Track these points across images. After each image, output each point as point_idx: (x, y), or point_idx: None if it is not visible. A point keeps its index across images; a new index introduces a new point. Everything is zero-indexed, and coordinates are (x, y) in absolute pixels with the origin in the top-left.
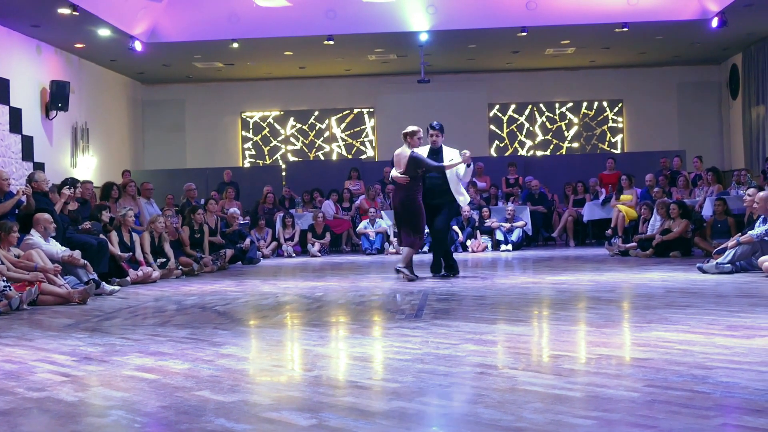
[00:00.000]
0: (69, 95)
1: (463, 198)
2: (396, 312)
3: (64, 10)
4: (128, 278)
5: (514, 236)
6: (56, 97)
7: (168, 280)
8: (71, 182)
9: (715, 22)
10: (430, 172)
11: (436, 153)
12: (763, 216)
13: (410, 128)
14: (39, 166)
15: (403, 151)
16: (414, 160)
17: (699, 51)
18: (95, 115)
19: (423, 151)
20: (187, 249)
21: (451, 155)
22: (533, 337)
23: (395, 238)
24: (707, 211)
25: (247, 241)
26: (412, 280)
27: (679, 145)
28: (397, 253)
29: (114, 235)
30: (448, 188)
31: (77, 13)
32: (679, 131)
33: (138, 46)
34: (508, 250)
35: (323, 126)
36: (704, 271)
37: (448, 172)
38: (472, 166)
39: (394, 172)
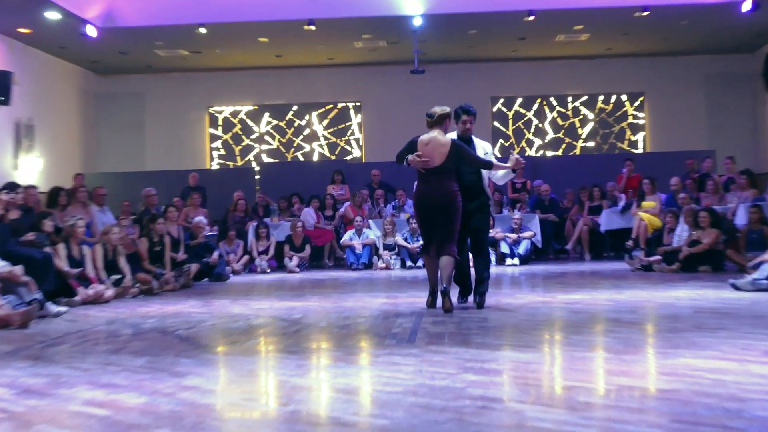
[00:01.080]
0: (12, 87)
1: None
2: (385, 336)
3: None
4: (77, 298)
5: (522, 249)
6: None
7: (123, 300)
8: (11, 186)
9: (747, 5)
10: (473, 167)
11: (466, 144)
12: None
13: (445, 108)
14: None
15: (437, 138)
16: (460, 150)
17: (729, 38)
18: (42, 110)
19: None
20: (145, 264)
21: (484, 149)
22: (543, 365)
23: (385, 251)
24: (741, 219)
25: (215, 254)
26: (449, 311)
27: (708, 144)
28: (387, 268)
29: (61, 247)
30: (483, 187)
31: None
32: (708, 128)
33: (91, 31)
34: (515, 265)
35: (303, 122)
36: (738, 288)
37: (484, 172)
38: (514, 174)
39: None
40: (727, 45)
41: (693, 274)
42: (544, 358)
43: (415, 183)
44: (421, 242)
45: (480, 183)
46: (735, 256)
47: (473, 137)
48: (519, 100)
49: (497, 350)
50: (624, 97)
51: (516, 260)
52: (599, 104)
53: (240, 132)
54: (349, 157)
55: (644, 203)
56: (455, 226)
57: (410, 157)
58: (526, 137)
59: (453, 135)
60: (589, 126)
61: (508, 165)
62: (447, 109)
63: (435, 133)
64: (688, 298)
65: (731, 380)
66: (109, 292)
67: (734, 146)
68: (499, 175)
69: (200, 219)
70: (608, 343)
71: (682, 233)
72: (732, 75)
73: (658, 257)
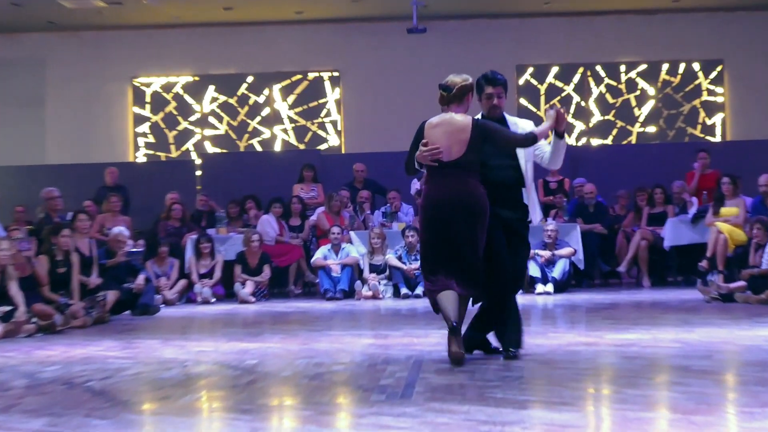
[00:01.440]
0: None
1: (535, 210)
2: (372, 390)
3: None
4: None
5: (557, 271)
6: None
7: (15, 340)
8: None
9: None
10: (507, 154)
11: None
12: None
13: (467, 78)
14: None
15: (452, 119)
16: (487, 132)
17: None
18: None
19: None
20: (45, 291)
21: (523, 130)
22: (586, 429)
23: (371, 274)
24: None
25: (140, 278)
26: (459, 362)
27: None
28: (374, 297)
29: None
30: (521, 193)
31: None
32: None
33: None
34: (548, 293)
35: (261, 99)
36: None
37: (523, 161)
38: (565, 138)
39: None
40: None
41: None
42: (588, 420)
43: (421, 182)
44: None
45: (519, 185)
46: None
47: (505, 115)
48: (554, 70)
49: (523, 409)
50: (696, 67)
51: (550, 287)
52: (663, 75)
53: (175, 112)
54: (323, 147)
55: (723, 210)
56: (480, 247)
57: (418, 152)
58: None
59: (477, 116)
60: (650, 105)
61: (548, 125)
62: (470, 79)
63: (450, 114)
64: None
65: None
66: None
67: None
68: (548, 153)
69: (120, 230)
70: (674, 400)
71: None
72: None
73: (741, 283)
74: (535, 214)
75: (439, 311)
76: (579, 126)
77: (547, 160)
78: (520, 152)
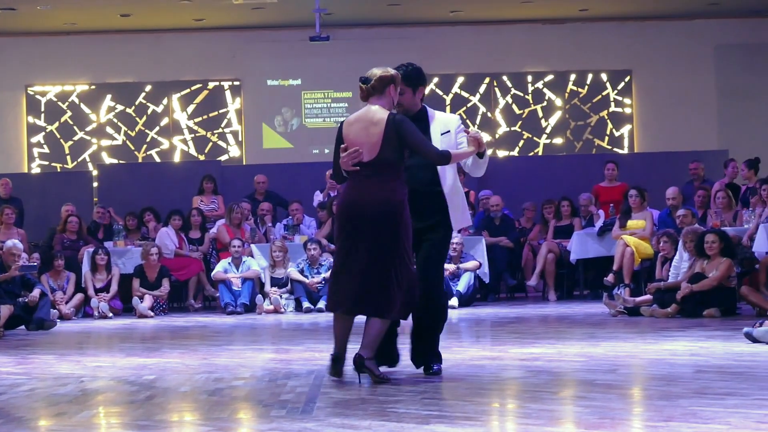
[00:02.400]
0: None
1: (460, 215)
2: (272, 405)
3: None
4: None
5: (462, 285)
6: None
7: None
8: None
9: None
10: (424, 159)
11: (418, 123)
12: None
13: (389, 70)
14: None
15: (369, 113)
16: (402, 130)
17: None
18: None
19: None
20: None
21: (445, 126)
22: None
23: (273, 288)
24: (761, 245)
25: (36, 292)
26: (382, 382)
27: (718, 141)
28: (275, 311)
29: None
30: (442, 195)
31: None
32: (719, 120)
33: None
34: (453, 307)
35: (159, 109)
36: (755, 340)
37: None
38: (486, 156)
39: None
40: (744, 5)
41: (695, 320)
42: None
43: (324, 193)
44: (325, 279)
45: (438, 185)
46: (752, 295)
47: (428, 110)
48: (460, 80)
49: (425, 424)
50: (604, 77)
51: (454, 301)
52: (570, 86)
53: (71, 122)
54: (223, 158)
55: (630, 223)
56: (396, 262)
57: (340, 158)
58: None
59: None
60: (557, 116)
61: (468, 150)
62: (392, 72)
63: (368, 107)
64: (687, 352)
65: None
66: None
67: (753, 144)
68: (470, 164)
69: (14, 243)
70: (578, 414)
71: (681, 264)
72: (751, 47)
73: (648, 297)
74: (456, 221)
75: (336, 332)
76: (485, 137)
77: (468, 168)
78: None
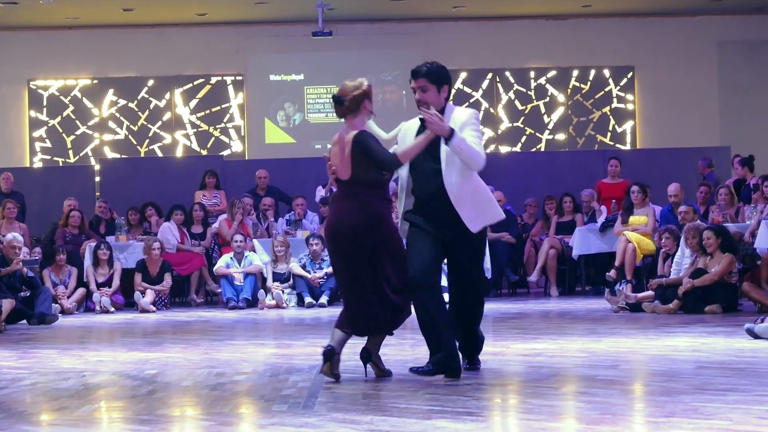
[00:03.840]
0: None
1: (475, 215)
2: (274, 400)
3: None
4: None
5: None
6: None
7: None
8: None
9: None
10: (432, 154)
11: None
12: None
13: (361, 83)
14: None
15: (342, 136)
16: (363, 147)
17: None
18: None
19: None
20: None
21: (456, 121)
22: None
23: (275, 283)
24: (762, 242)
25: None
26: (386, 375)
27: (720, 138)
28: (277, 306)
29: None
30: (449, 203)
31: None
32: (721, 117)
33: None
34: None
35: (162, 104)
36: (756, 336)
37: (444, 165)
38: (455, 142)
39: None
40: (746, 2)
41: (697, 315)
42: (493, 430)
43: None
44: (327, 274)
45: (442, 190)
46: (753, 291)
47: (450, 107)
48: (462, 75)
49: (427, 419)
50: (607, 73)
51: None
52: (573, 82)
53: (73, 116)
54: (226, 153)
55: (632, 219)
56: (378, 278)
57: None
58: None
59: (414, 121)
60: (559, 112)
61: (419, 141)
62: (364, 84)
63: (346, 129)
64: (689, 348)
65: None
66: None
67: (755, 141)
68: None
69: (14, 237)
70: (579, 410)
71: (683, 260)
72: (754, 44)
73: (649, 293)
74: (472, 221)
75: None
76: (487, 133)
77: (469, 162)
78: (442, 154)
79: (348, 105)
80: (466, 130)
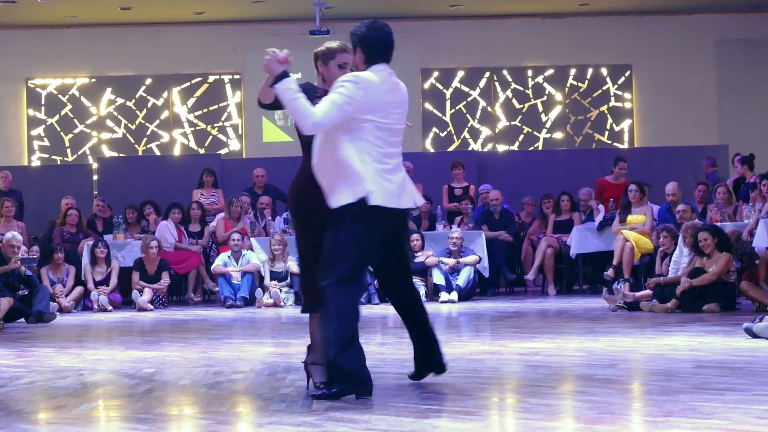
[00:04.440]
0: None
1: (337, 195)
2: (272, 399)
3: None
4: None
5: (462, 279)
6: None
7: None
8: None
9: None
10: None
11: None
12: None
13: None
14: None
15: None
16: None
17: None
18: None
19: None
20: None
21: None
22: None
23: (272, 281)
24: (761, 241)
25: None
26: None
27: (719, 137)
28: (275, 305)
29: None
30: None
31: None
32: (719, 116)
33: None
34: (452, 301)
35: (159, 102)
36: (755, 335)
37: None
38: (280, 83)
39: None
40: (744, 0)
41: (695, 315)
42: (491, 430)
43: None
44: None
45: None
46: (752, 290)
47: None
48: (460, 74)
49: (425, 418)
50: (604, 71)
51: (454, 295)
52: (570, 81)
53: (71, 115)
54: (224, 151)
55: (630, 218)
56: (299, 253)
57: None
58: (469, 125)
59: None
60: (557, 110)
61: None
62: (319, 49)
63: None
64: (687, 347)
65: None
66: None
67: (753, 140)
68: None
69: (13, 235)
70: (577, 409)
71: (680, 259)
72: (752, 42)
73: (647, 292)
74: (329, 197)
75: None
76: (485, 131)
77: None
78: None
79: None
80: (331, 91)
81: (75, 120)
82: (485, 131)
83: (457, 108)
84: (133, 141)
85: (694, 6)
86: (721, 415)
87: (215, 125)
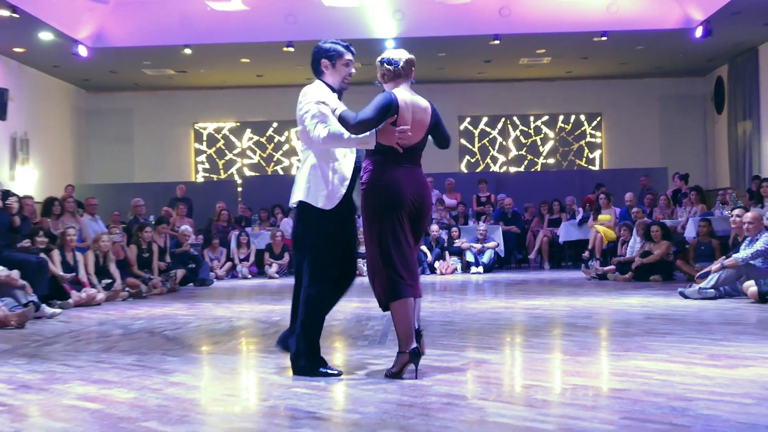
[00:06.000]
0: (8, 103)
1: (302, 194)
2: (358, 338)
3: (3, 12)
4: (70, 300)
5: (486, 258)
6: None
7: (113, 303)
8: (3, 194)
9: (699, 32)
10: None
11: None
12: (749, 238)
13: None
14: None
15: (416, 99)
16: (438, 117)
17: (682, 62)
18: (36, 125)
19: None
20: (134, 269)
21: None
22: (504, 365)
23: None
24: (690, 232)
25: (207, 260)
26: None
27: (661, 161)
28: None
29: (56, 253)
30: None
31: (17, 15)
32: (661, 147)
33: (83, 51)
34: (479, 273)
35: (282, 138)
36: (686, 297)
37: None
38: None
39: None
40: (681, 69)
41: (645, 283)
42: (505, 359)
43: (369, 170)
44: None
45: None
46: (684, 266)
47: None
48: (484, 119)
49: (461, 351)
50: (583, 117)
51: (480, 268)
52: (559, 123)
53: (223, 147)
54: None
55: (600, 217)
56: (367, 251)
57: (389, 126)
58: (491, 154)
59: (320, 88)
60: (550, 144)
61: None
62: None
63: (411, 92)
64: (639, 305)
65: (678, 381)
66: (100, 296)
67: (685, 164)
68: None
69: (186, 228)
70: (565, 346)
71: (635, 245)
72: (685, 97)
73: (612, 267)
74: (293, 194)
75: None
76: (501, 158)
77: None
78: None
79: (404, 67)
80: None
81: (225, 150)
82: (501, 158)
83: (482, 142)
84: (264, 165)
85: (645, 72)
86: (664, 351)
87: None
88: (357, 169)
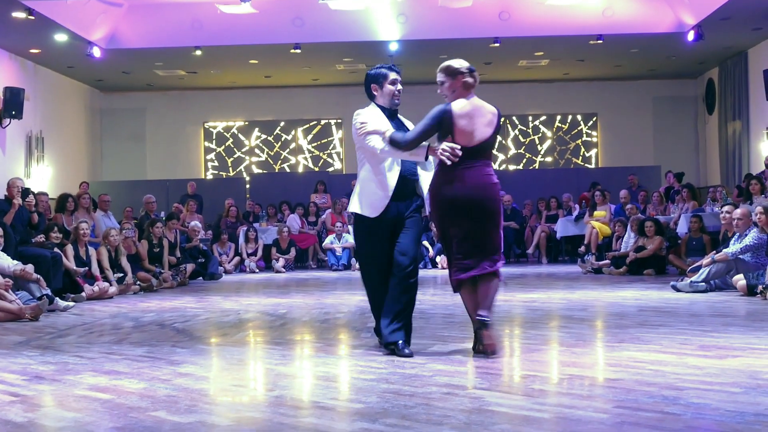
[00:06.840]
0: (23, 102)
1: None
2: (362, 330)
3: (19, 14)
4: (83, 294)
5: None
6: (10, 104)
7: (125, 296)
8: (23, 192)
9: (691, 36)
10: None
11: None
12: (738, 234)
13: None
14: None
15: (480, 104)
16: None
17: (675, 65)
18: (51, 124)
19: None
20: (145, 263)
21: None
22: (503, 356)
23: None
24: (682, 228)
25: (216, 255)
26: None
27: (654, 160)
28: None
29: (70, 248)
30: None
31: (33, 18)
32: (654, 146)
33: (96, 52)
34: None
35: (289, 137)
36: (678, 290)
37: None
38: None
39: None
40: (673, 71)
41: (638, 276)
42: (504, 350)
43: (435, 173)
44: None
45: (417, 174)
46: (676, 261)
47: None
48: None
49: (462, 343)
50: (579, 117)
51: None
52: (557, 123)
53: (232, 145)
54: (330, 169)
55: (596, 213)
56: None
57: (443, 146)
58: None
59: (371, 110)
60: (548, 143)
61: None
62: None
63: (477, 98)
64: (633, 298)
65: (669, 371)
66: (113, 289)
67: (677, 162)
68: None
69: (195, 223)
70: (561, 338)
71: (629, 240)
72: (677, 98)
73: (607, 261)
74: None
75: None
76: (501, 156)
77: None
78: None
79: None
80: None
81: (234, 149)
82: (501, 156)
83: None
84: (272, 162)
85: (639, 74)
86: (656, 342)
87: (325, 152)
88: (403, 178)
